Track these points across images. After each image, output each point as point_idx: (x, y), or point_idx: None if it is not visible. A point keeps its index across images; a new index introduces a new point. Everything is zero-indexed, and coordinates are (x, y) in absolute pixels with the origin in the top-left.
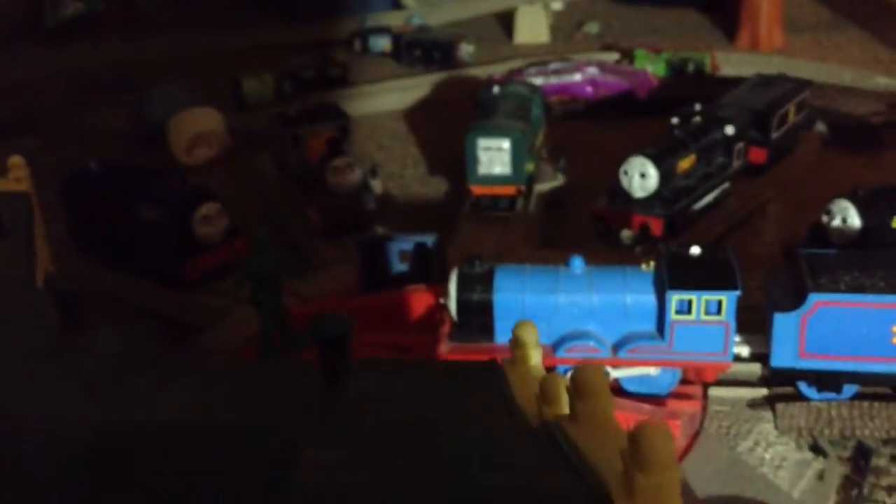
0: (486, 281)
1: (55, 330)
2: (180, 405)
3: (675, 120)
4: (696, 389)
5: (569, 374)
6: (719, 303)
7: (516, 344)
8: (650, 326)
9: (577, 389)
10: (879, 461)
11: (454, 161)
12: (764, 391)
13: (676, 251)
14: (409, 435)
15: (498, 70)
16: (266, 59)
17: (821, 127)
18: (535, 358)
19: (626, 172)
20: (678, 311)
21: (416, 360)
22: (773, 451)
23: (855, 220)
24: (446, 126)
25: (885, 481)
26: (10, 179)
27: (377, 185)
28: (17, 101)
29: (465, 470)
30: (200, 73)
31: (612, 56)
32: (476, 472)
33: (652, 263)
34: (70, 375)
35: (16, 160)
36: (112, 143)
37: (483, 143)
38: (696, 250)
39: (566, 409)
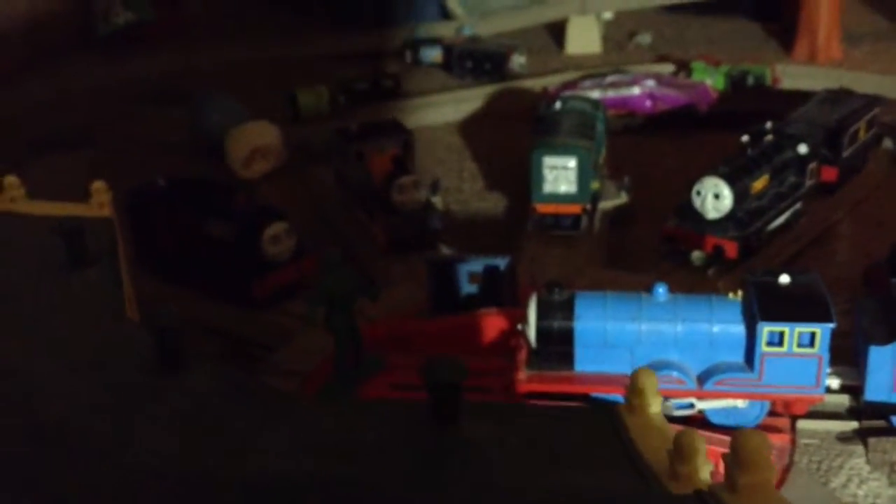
0: (567, 308)
1: (151, 367)
2: (293, 453)
3: (745, 138)
4: (785, 422)
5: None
6: (812, 335)
7: (635, 391)
8: (738, 357)
9: (739, 457)
10: None
11: (511, 175)
12: (854, 424)
13: (765, 279)
14: (543, 499)
15: (550, 82)
16: (317, 70)
17: (888, 143)
18: (656, 406)
19: (698, 192)
20: (769, 343)
21: (525, 402)
22: (867, 487)
23: None
24: (501, 139)
25: None
26: (94, 205)
27: (439, 202)
28: (69, 113)
29: None
30: (252, 84)
31: (667, 67)
32: None
33: (739, 292)
34: (169, 418)
35: (99, 185)
36: (167, 155)
37: (549, 161)
38: (785, 279)
39: (705, 471)
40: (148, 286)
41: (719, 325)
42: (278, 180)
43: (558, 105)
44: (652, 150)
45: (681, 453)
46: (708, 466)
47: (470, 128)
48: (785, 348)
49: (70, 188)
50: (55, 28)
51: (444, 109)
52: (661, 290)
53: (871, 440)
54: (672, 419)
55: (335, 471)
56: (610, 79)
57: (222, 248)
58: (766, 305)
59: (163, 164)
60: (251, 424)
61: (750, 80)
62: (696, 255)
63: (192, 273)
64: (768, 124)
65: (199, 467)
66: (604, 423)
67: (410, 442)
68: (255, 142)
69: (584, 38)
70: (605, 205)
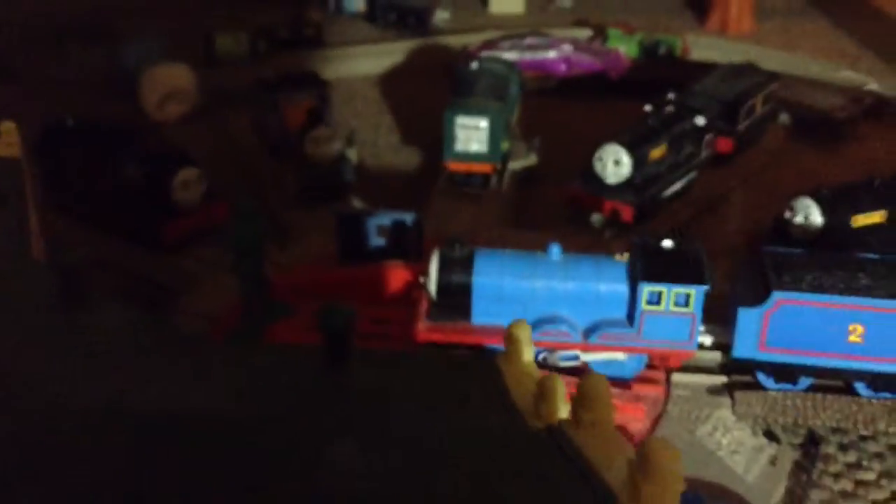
0: (466, 264)
1: (55, 305)
2: (191, 390)
3: (647, 107)
4: (660, 375)
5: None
6: (688, 296)
7: (510, 340)
8: (621, 314)
9: (582, 397)
10: (828, 449)
11: (427, 131)
12: (724, 379)
13: (649, 243)
14: (418, 435)
15: (472, 40)
16: (238, 12)
17: (785, 118)
18: (529, 355)
19: (600, 158)
20: (649, 302)
21: (413, 350)
22: (731, 436)
23: (817, 218)
24: (419, 94)
25: (832, 468)
26: (2, 145)
27: (353, 154)
28: None
29: (479, 478)
30: (172, 24)
31: (585, 32)
32: (490, 480)
33: (626, 254)
34: (73, 355)
35: (7, 126)
36: (82, 93)
37: (461, 120)
38: (668, 243)
39: (563, 411)
40: (58, 226)
41: (606, 283)
42: (194, 124)
43: (474, 66)
44: (564, 113)
45: (543, 395)
46: (566, 406)
47: (389, 81)
48: (663, 307)
49: None
50: None
51: (364, 61)
52: (555, 249)
53: (738, 393)
54: (559, 370)
55: (228, 408)
56: (528, 41)
57: (132, 192)
58: (647, 267)
59: (77, 104)
60: (153, 362)
61: (661, 50)
62: (596, 217)
63: (102, 214)
64: (670, 95)
65: (98, 402)
66: (482, 370)
67: (303, 383)
68: (169, 84)
69: None
70: (515, 165)
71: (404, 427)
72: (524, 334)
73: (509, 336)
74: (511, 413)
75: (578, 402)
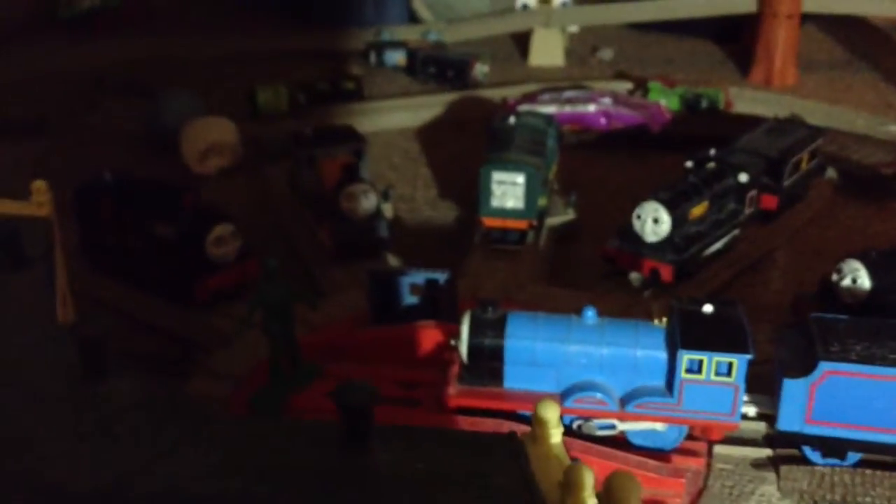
0: (499, 326)
1: (75, 374)
2: (202, 472)
3: (688, 164)
4: (702, 446)
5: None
6: (730, 365)
7: (538, 422)
8: (659, 382)
9: (609, 496)
10: None
11: (465, 185)
12: (768, 451)
13: (689, 307)
14: None
15: (511, 93)
16: (279, 67)
17: (832, 174)
18: (557, 437)
19: (639, 216)
20: (688, 370)
21: (436, 427)
22: None
23: (865, 282)
24: (458, 148)
25: None
26: (33, 204)
27: (388, 209)
28: (26, 98)
29: None
30: (213, 77)
31: (626, 85)
32: None
33: (664, 319)
34: (83, 432)
35: (39, 185)
36: (123, 147)
37: (497, 176)
38: (708, 308)
39: (591, 502)
40: (93, 282)
41: (643, 350)
42: (233, 177)
43: (512, 120)
44: (603, 167)
45: (569, 486)
46: (592, 500)
47: (428, 134)
48: (703, 376)
49: (23, 177)
50: (15, 8)
51: (403, 114)
52: (590, 313)
53: (783, 468)
54: (594, 439)
55: (235, 487)
56: (567, 94)
57: (167, 248)
58: (687, 334)
59: (118, 157)
60: (165, 440)
61: (703, 103)
62: (635, 276)
63: (136, 270)
64: (712, 151)
65: (104, 482)
66: (507, 452)
67: (317, 464)
68: (211, 138)
69: (547, 50)
70: (552, 221)
71: None
72: (552, 415)
73: (537, 417)
74: (533, 501)
75: (605, 499)
